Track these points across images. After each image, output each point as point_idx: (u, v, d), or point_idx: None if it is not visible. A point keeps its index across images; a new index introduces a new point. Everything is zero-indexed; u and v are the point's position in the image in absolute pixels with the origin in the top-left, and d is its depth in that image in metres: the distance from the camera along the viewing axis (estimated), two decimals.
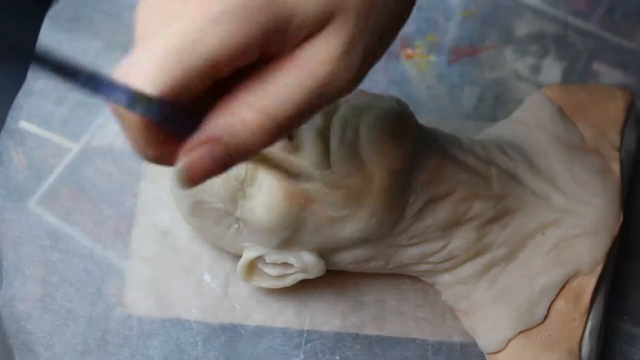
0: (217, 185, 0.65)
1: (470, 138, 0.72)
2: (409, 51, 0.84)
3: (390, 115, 0.63)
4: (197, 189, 0.66)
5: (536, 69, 0.82)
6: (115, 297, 0.73)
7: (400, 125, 0.63)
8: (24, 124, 0.80)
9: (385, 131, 0.63)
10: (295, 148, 0.63)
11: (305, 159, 0.63)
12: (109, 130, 0.79)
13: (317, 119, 0.63)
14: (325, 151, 0.63)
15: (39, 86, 0.81)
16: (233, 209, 0.66)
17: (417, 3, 0.84)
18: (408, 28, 0.84)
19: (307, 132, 0.63)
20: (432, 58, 0.83)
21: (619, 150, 0.71)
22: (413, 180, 0.65)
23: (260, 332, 0.72)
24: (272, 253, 0.68)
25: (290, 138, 0.63)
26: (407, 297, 0.73)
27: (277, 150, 0.63)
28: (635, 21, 0.85)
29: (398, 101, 0.66)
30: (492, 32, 0.84)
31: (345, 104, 0.65)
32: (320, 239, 0.66)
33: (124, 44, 0.83)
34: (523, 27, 0.85)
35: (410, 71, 0.83)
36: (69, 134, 0.80)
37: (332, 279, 0.72)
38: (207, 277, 0.74)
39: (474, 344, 0.71)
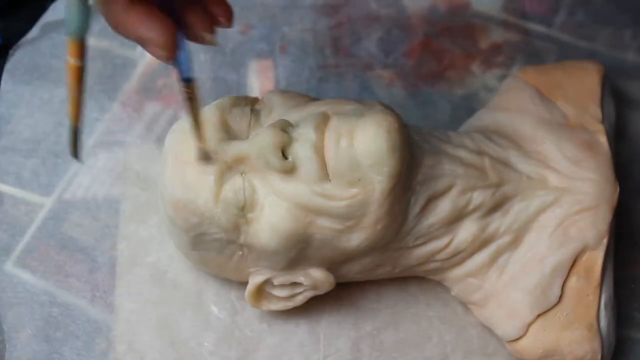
0: (217, 215, 0.64)
1: (456, 131, 0.72)
2: (376, 71, 0.83)
3: (381, 120, 0.63)
4: (197, 223, 0.65)
5: (505, 80, 0.81)
6: (126, 344, 0.71)
7: (392, 129, 0.63)
8: None
9: (379, 136, 0.62)
10: (292, 165, 0.62)
11: (304, 175, 0.62)
12: (81, 182, 0.78)
13: (310, 133, 0.62)
14: (323, 165, 0.63)
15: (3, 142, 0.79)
16: (236, 236, 0.65)
17: (383, 22, 0.84)
18: (374, 48, 0.84)
19: (302, 148, 0.62)
20: (401, 78, 0.83)
21: (602, 122, 0.72)
22: (412, 181, 0.65)
23: (276, 355, 0.71)
24: (279, 275, 0.67)
25: (286, 156, 0.63)
26: (416, 298, 0.73)
27: (274, 167, 0.62)
28: (596, 22, 0.86)
29: (383, 104, 0.66)
30: (457, 48, 0.85)
31: (335, 115, 0.64)
32: (328, 253, 0.66)
33: (88, 86, 0.81)
34: (487, 39, 0.85)
35: (379, 92, 0.82)
36: (41, 189, 0.78)
37: (339, 291, 0.72)
38: (214, 308, 0.73)
39: (491, 335, 0.71)
